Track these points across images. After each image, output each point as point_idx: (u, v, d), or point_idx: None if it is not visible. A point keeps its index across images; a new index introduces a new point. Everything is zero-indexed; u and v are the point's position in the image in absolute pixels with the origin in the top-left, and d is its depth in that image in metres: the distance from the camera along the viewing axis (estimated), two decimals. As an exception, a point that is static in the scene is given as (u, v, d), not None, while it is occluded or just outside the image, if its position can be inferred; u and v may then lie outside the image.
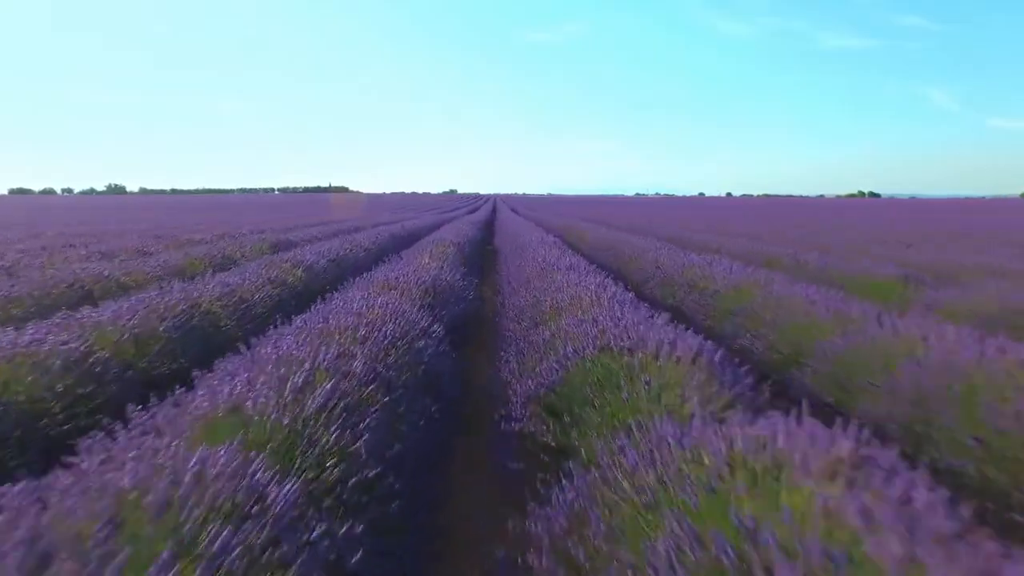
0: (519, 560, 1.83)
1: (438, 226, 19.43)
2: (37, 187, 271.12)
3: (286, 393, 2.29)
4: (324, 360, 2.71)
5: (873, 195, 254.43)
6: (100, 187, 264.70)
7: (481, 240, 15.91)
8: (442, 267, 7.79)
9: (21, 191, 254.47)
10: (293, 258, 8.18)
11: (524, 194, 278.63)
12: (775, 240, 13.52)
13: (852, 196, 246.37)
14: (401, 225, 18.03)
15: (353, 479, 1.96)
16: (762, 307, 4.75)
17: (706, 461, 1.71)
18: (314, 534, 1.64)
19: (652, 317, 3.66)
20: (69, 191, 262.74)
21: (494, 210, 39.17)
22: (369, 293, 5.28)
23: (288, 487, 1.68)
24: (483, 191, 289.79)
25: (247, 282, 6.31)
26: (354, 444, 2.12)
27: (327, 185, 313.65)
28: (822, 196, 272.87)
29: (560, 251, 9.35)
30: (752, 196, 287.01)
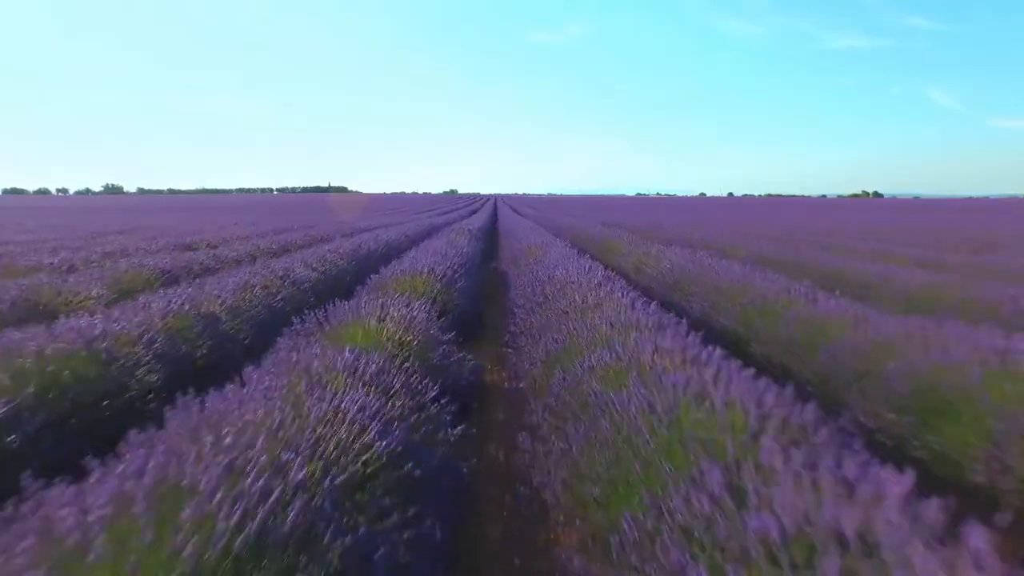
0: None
1: (427, 235, 15.12)
2: (32, 187, 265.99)
3: None
4: None
5: (877, 195, 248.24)
6: (97, 187, 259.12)
7: (481, 259, 11.58)
8: (406, 335, 3.56)
9: (15, 191, 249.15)
10: (87, 331, 3.86)
11: (524, 194, 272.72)
12: (920, 261, 9.15)
13: (856, 196, 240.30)
14: (376, 236, 13.63)
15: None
16: None
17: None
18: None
19: None
20: (64, 191, 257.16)
21: (495, 212, 34.74)
22: None
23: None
24: (483, 191, 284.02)
25: None
26: None
27: (326, 185, 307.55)
28: (824, 196, 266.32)
29: (626, 295, 5.06)
30: (753, 196, 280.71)
